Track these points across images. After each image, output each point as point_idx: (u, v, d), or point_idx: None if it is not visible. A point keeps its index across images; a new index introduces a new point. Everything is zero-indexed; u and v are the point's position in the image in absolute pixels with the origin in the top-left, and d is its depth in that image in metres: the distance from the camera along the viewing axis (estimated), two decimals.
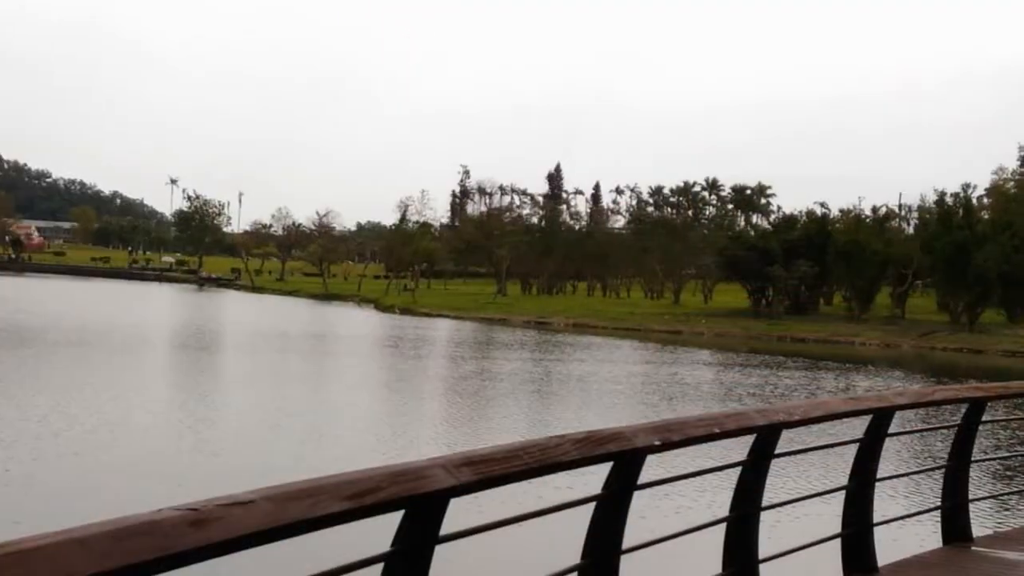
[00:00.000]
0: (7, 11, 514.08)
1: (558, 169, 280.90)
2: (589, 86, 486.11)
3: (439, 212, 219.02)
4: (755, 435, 6.88)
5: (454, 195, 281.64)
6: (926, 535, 12.46)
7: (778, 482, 18.48)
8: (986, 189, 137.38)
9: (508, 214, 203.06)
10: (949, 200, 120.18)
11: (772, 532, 8.79)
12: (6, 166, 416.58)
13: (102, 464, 24.56)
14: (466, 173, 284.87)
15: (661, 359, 68.25)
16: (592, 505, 5.50)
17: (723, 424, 6.37)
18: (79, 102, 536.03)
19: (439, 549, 4.12)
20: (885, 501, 14.87)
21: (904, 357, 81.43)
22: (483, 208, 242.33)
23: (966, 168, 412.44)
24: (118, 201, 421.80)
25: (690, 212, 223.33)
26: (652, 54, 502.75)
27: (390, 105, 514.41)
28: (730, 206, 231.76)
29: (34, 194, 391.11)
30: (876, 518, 8.57)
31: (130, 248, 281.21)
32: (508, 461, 4.43)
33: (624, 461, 5.41)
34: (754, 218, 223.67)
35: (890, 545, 9.56)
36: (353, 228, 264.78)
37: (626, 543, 5.56)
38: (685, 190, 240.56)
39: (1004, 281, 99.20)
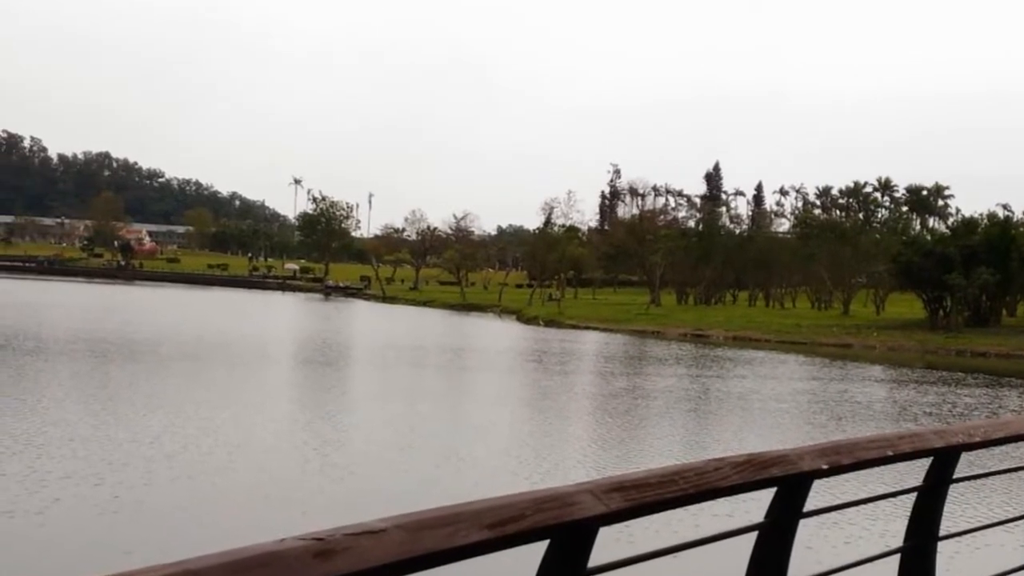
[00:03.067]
0: (119, 2, 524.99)
1: (717, 168, 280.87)
2: (750, 79, 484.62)
3: (587, 215, 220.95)
4: (932, 458, 6.72)
5: (603, 196, 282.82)
6: None
7: (957, 509, 18.17)
8: None
9: (662, 217, 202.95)
10: None
11: (951, 563, 8.61)
12: (115, 165, 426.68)
13: (219, 489, 24.91)
14: (616, 173, 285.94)
15: (829, 375, 67.90)
16: (754, 534, 5.39)
17: (896, 446, 6.22)
18: (195, 96, 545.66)
19: None
20: None
21: None
22: (635, 210, 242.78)
23: None
24: (237, 203, 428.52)
25: (861, 215, 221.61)
26: (817, 44, 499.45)
27: (533, 99, 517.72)
28: (904, 208, 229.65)
29: (145, 195, 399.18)
30: None
31: (250, 254, 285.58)
32: (662, 486, 4.34)
33: (789, 486, 5.30)
34: (931, 221, 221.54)
35: None
36: (493, 232, 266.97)
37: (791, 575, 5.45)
38: (855, 191, 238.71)
39: None
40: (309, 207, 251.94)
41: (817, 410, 47.68)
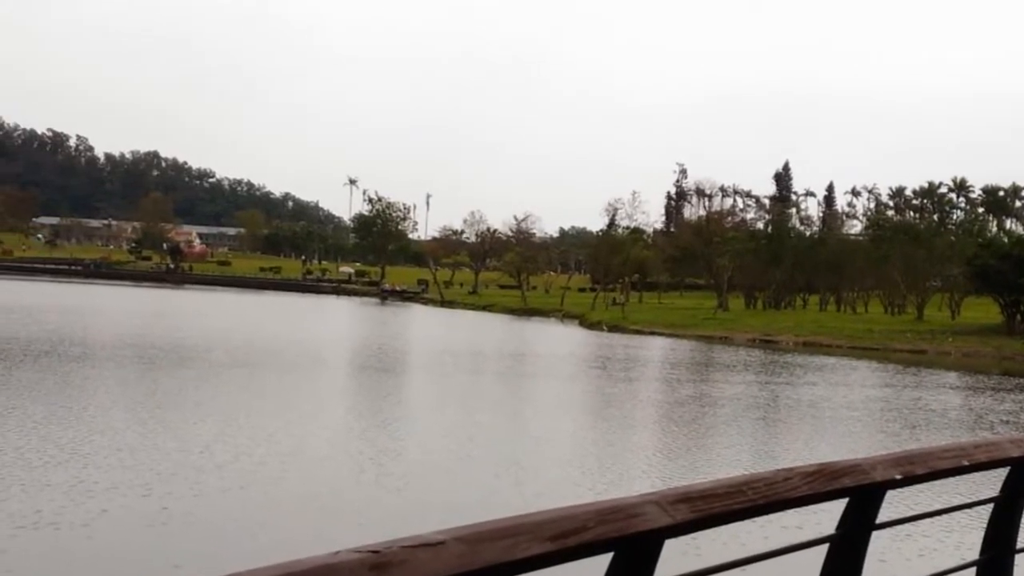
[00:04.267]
0: None
1: (786, 168, 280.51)
2: (821, 75, 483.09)
3: (652, 216, 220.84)
4: (1008, 468, 6.68)
5: (669, 197, 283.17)
6: None
7: None
8: None
9: (730, 218, 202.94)
10: None
11: None
12: (164, 164, 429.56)
13: (271, 500, 25.01)
14: (682, 172, 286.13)
15: (902, 382, 67.88)
16: (825, 547, 5.38)
17: (972, 455, 6.19)
18: (247, 94, 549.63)
19: None
20: None
21: None
22: (701, 212, 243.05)
23: None
24: (290, 204, 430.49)
25: (935, 216, 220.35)
26: (890, 40, 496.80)
27: (597, 98, 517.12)
28: (980, 209, 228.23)
29: (196, 196, 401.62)
30: None
31: (303, 257, 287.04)
32: (730, 497, 4.34)
33: (861, 497, 5.29)
34: (1008, 223, 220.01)
35: None
36: (555, 234, 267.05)
37: None
38: (929, 191, 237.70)
39: None
40: (365, 208, 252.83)
41: (890, 418, 47.62)
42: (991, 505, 6.86)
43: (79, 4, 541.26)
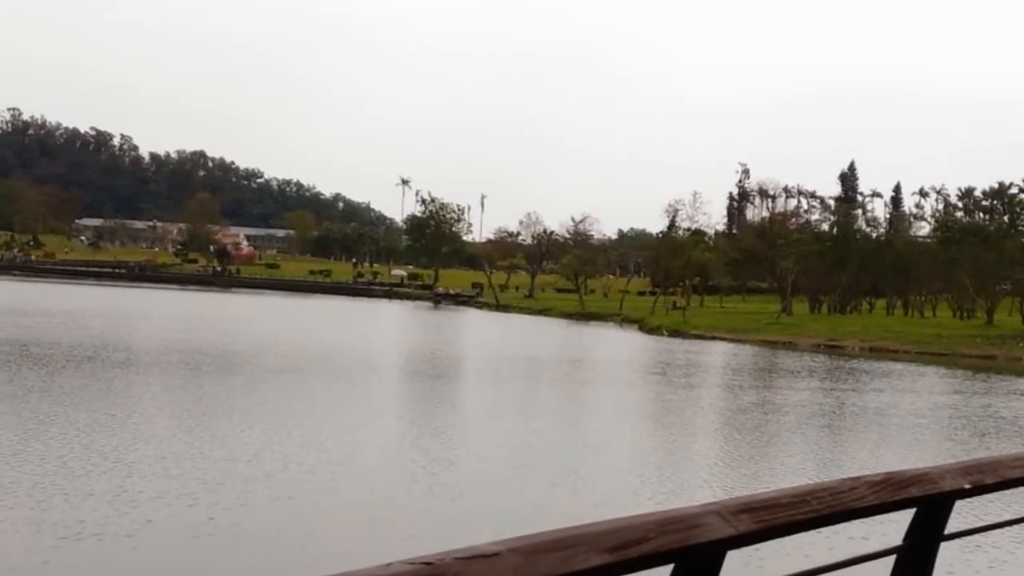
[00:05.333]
0: None
1: (852, 168, 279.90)
2: (888, 72, 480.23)
3: (714, 218, 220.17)
4: None
5: (731, 198, 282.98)
6: None
7: None
8: None
9: (794, 220, 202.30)
10: None
11: None
12: (211, 164, 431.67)
13: (321, 510, 25.06)
14: (745, 172, 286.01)
15: (972, 388, 67.60)
16: (892, 559, 5.37)
17: None
18: (296, 92, 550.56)
19: None
20: None
21: None
22: (764, 213, 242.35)
23: None
24: (340, 205, 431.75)
25: (1005, 217, 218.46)
26: (959, 35, 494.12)
27: (655, 97, 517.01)
28: None
29: (243, 197, 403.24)
30: None
31: (355, 260, 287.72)
32: (794, 507, 4.34)
33: (929, 507, 5.27)
34: None
35: None
36: (614, 236, 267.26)
37: None
38: (1000, 192, 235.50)
39: None
40: (418, 209, 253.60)
41: (959, 426, 47.48)
42: None
43: (119, 1, 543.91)
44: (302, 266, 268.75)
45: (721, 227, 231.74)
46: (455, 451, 34.37)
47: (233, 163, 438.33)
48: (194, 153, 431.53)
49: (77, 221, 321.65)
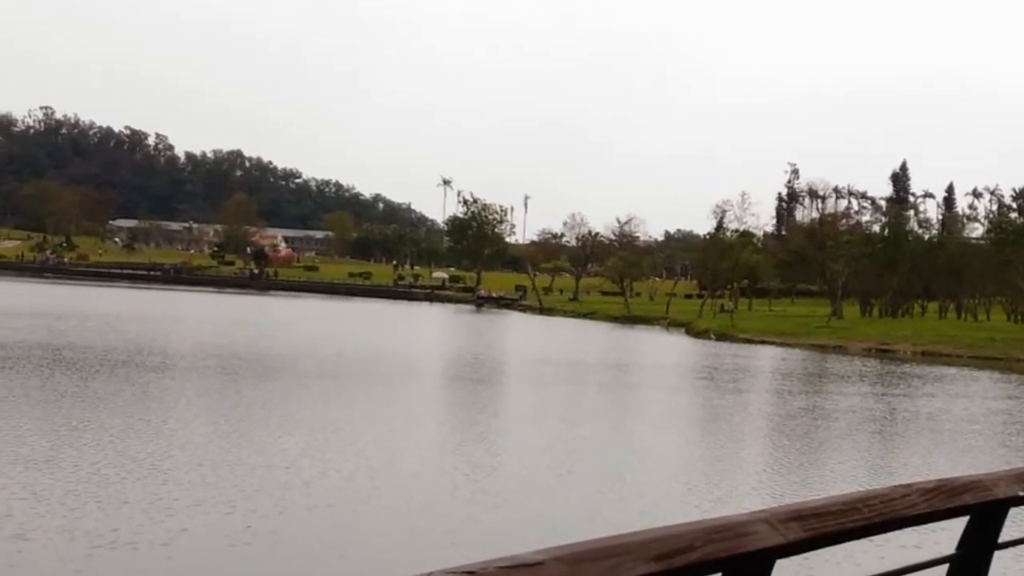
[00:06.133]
0: None
1: (904, 168, 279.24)
2: (940, 70, 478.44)
3: (762, 219, 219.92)
4: None
5: (780, 199, 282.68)
6: None
7: None
8: None
9: (844, 221, 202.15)
10: None
11: None
12: (248, 164, 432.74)
13: (361, 518, 25.12)
14: (794, 173, 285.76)
15: None
16: (944, 567, 5.35)
17: None
18: (335, 90, 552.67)
19: None
20: None
21: None
22: (814, 214, 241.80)
23: None
24: (380, 206, 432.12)
25: None
26: (1013, 33, 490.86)
27: (702, 95, 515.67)
28: None
29: (281, 197, 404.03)
30: None
31: (395, 262, 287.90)
32: (844, 515, 4.33)
33: (982, 515, 5.25)
34: None
35: None
36: (660, 238, 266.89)
37: None
38: None
39: None
40: (459, 210, 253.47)
41: (1013, 432, 47.59)
42: None
43: None
44: (341, 268, 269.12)
45: (770, 228, 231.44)
46: (497, 457, 34.42)
47: (271, 163, 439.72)
48: (231, 153, 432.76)
49: (111, 222, 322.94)
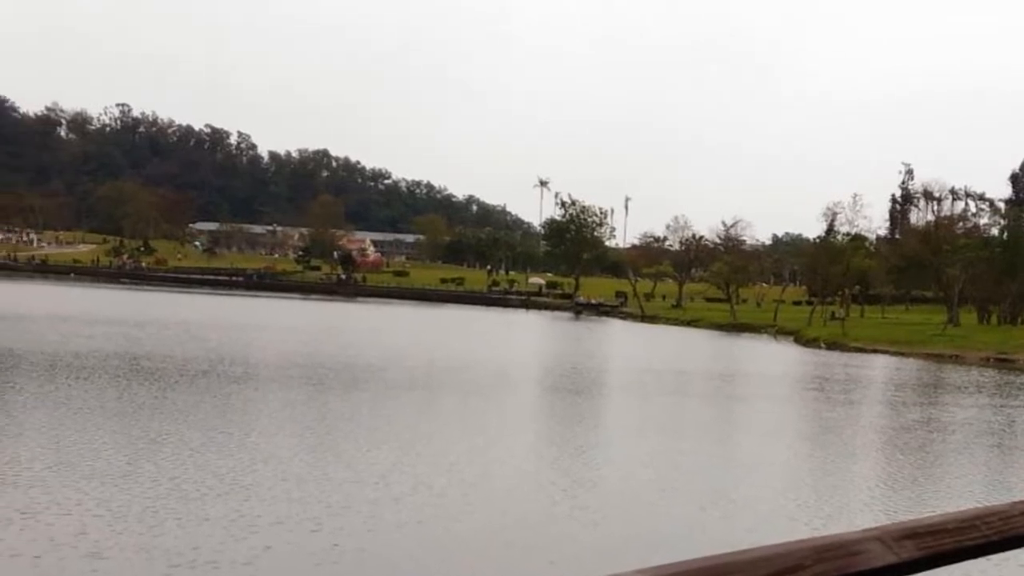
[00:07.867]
0: None
1: None
2: None
3: (875, 222, 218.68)
4: None
5: (894, 200, 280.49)
6: None
7: None
8: None
9: (961, 224, 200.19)
10: None
11: None
12: (335, 164, 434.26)
13: (453, 535, 25.13)
14: (909, 173, 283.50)
15: None
16: None
17: None
18: (426, 86, 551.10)
19: None
20: None
21: None
22: (929, 216, 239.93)
23: None
24: (474, 208, 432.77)
25: None
26: None
27: (813, 92, 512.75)
28: None
29: (369, 199, 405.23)
30: None
31: (489, 267, 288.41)
32: (961, 533, 4.28)
33: None
34: None
35: None
36: (768, 242, 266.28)
37: None
38: None
39: None
40: (557, 212, 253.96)
41: None
42: None
43: None
44: (433, 274, 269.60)
45: (883, 232, 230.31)
46: (597, 471, 34.36)
47: (359, 163, 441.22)
48: (316, 152, 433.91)
49: (191, 225, 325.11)
